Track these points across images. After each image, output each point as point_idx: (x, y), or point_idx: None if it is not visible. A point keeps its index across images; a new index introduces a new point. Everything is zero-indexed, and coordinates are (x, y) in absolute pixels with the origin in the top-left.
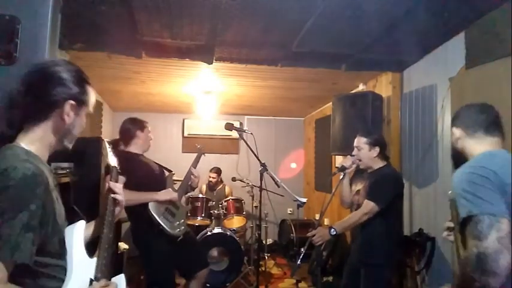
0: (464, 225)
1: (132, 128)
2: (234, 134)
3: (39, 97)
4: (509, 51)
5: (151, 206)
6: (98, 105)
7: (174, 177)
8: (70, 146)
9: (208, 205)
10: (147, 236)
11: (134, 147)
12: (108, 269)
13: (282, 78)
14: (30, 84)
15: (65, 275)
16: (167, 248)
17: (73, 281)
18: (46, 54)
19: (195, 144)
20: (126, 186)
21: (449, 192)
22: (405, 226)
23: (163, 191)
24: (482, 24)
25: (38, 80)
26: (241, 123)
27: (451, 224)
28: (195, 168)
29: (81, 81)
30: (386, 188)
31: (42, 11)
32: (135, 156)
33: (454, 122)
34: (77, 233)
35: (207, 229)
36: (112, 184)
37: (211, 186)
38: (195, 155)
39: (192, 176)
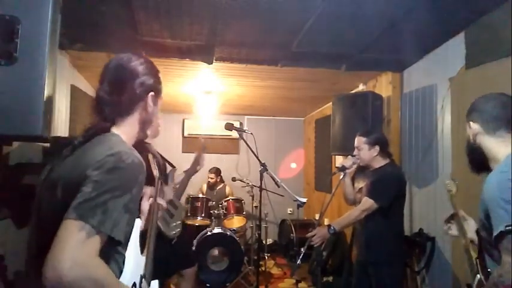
0: (499, 238)
1: None
2: (234, 134)
3: (124, 94)
4: (509, 51)
5: None
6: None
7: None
8: (149, 134)
9: (208, 205)
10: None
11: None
12: (151, 269)
13: (282, 78)
14: (113, 82)
15: (123, 265)
16: (159, 249)
17: (127, 273)
18: (46, 54)
19: (195, 144)
20: None
21: (447, 182)
22: (405, 226)
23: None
24: (482, 24)
25: (119, 77)
26: (241, 123)
27: (451, 213)
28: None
29: (155, 71)
30: (386, 186)
31: (42, 11)
32: (144, 145)
33: (471, 115)
34: (136, 228)
35: (207, 229)
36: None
37: (210, 186)
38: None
39: (199, 160)
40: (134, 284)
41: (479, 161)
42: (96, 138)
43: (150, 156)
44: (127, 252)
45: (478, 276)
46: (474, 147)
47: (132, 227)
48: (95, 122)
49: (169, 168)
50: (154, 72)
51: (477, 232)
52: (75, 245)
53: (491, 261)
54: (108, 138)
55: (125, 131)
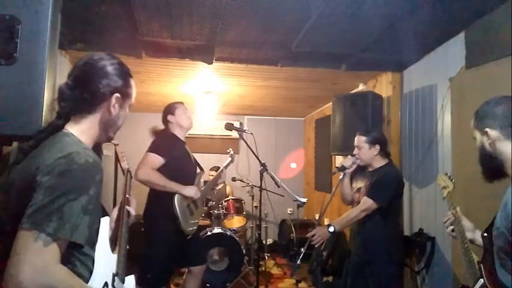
0: None
1: (164, 114)
2: (234, 134)
3: (87, 91)
4: (509, 51)
5: (177, 198)
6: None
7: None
8: (114, 136)
9: (208, 205)
10: (160, 224)
11: (177, 132)
12: (124, 266)
13: (282, 78)
14: (78, 78)
15: (93, 266)
16: (175, 243)
17: (98, 272)
18: (46, 54)
19: (195, 144)
20: (160, 166)
21: (442, 177)
22: (405, 226)
23: (190, 186)
24: (482, 24)
25: (85, 74)
26: (241, 123)
27: (449, 215)
28: (224, 170)
29: (125, 74)
30: (386, 186)
31: (42, 11)
32: (177, 140)
33: (485, 122)
34: (104, 227)
35: (207, 229)
36: (129, 197)
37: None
38: (195, 155)
39: (220, 178)
40: (106, 284)
41: (496, 169)
42: (49, 140)
43: (118, 149)
44: (96, 252)
45: (482, 280)
46: (490, 154)
47: (97, 227)
48: (50, 121)
49: (198, 170)
50: (124, 75)
51: (483, 236)
52: (32, 256)
53: (502, 270)
54: (60, 139)
55: (83, 130)
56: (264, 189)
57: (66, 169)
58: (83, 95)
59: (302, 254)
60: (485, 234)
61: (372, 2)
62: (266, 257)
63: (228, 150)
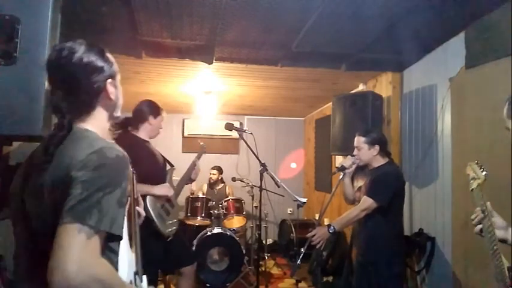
0: None
1: (146, 111)
2: (234, 134)
3: (81, 94)
4: (509, 51)
5: (149, 200)
6: None
7: (174, 175)
8: (119, 115)
9: (208, 205)
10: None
11: (143, 133)
12: (141, 265)
13: (282, 78)
14: (65, 83)
15: (117, 263)
16: (155, 247)
17: (123, 271)
18: (46, 54)
19: (195, 144)
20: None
21: (473, 166)
22: (405, 226)
23: (161, 185)
24: (482, 24)
25: (71, 77)
26: (241, 123)
27: (479, 212)
28: (198, 160)
29: (102, 55)
30: (386, 185)
31: (42, 11)
32: (142, 142)
33: None
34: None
35: (207, 229)
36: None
37: (211, 184)
38: (195, 155)
39: (195, 167)
40: (131, 282)
41: None
42: (70, 137)
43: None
44: (120, 250)
45: None
46: None
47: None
48: (56, 127)
49: (168, 167)
50: (101, 56)
51: None
52: (77, 248)
53: None
54: (82, 135)
55: (94, 124)
56: (264, 189)
57: (100, 164)
58: (79, 98)
59: (302, 254)
60: None
61: (372, 2)
62: (266, 257)
63: (201, 144)
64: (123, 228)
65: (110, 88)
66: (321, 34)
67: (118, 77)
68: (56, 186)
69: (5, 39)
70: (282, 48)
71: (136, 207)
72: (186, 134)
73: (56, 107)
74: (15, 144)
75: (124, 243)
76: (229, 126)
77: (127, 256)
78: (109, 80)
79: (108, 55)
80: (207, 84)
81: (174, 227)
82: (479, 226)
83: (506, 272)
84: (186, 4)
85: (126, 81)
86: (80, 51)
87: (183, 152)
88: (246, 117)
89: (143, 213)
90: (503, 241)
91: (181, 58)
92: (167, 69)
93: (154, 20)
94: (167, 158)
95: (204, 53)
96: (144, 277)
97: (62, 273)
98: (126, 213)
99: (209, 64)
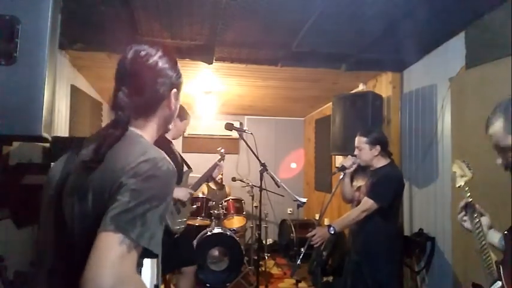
0: None
1: None
2: (234, 134)
3: (145, 95)
4: (509, 51)
5: None
6: (98, 105)
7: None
8: (171, 128)
9: (208, 205)
10: None
11: (168, 134)
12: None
13: (282, 78)
14: (133, 82)
15: (140, 274)
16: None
17: (145, 282)
18: (46, 54)
19: (195, 144)
20: None
21: (459, 164)
22: (405, 226)
23: (180, 188)
24: (482, 24)
25: (139, 77)
26: (241, 123)
27: (466, 201)
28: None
29: (175, 63)
30: (387, 187)
31: (42, 11)
32: (167, 142)
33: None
34: None
35: (207, 229)
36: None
37: (217, 184)
38: (195, 155)
39: (217, 168)
40: None
41: None
42: (123, 140)
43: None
44: (144, 263)
45: (499, 283)
46: None
47: None
48: (112, 124)
49: (185, 168)
50: (173, 65)
51: (505, 236)
52: (116, 260)
53: None
54: (136, 140)
55: (147, 132)
56: (264, 189)
57: (152, 174)
58: (142, 100)
59: (302, 254)
60: (509, 234)
61: (372, 2)
62: (266, 257)
63: (218, 149)
64: (160, 245)
65: (173, 98)
66: (321, 34)
67: (181, 91)
68: (104, 190)
69: (5, 39)
70: (282, 48)
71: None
72: (186, 134)
73: (117, 102)
74: (15, 144)
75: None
76: (229, 126)
77: (150, 269)
78: (174, 90)
79: (178, 67)
80: (207, 84)
81: (183, 226)
82: (461, 215)
83: (494, 266)
84: (186, 4)
85: None
86: (156, 55)
87: (183, 152)
88: (246, 117)
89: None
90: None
91: (181, 58)
92: None
93: (154, 20)
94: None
95: (204, 53)
96: None
97: (97, 285)
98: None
99: (209, 64)
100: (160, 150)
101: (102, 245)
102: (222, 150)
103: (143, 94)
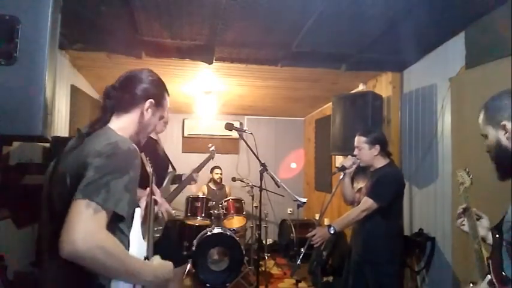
0: None
1: None
2: (234, 134)
3: (126, 92)
4: (509, 51)
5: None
6: (98, 105)
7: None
8: (143, 141)
9: (208, 205)
10: None
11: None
12: (152, 252)
13: (282, 78)
14: (121, 82)
15: (128, 246)
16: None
17: (131, 252)
18: (46, 54)
19: (195, 144)
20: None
21: (459, 174)
22: (405, 226)
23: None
24: (482, 24)
25: (127, 80)
26: (241, 123)
27: (463, 206)
28: (197, 173)
29: (161, 86)
30: (386, 187)
31: (42, 11)
32: (152, 142)
33: (499, 114)
34: (137, 215)
35: (207, 229)
36: (154, 188)
37: (217, 184)
38: (195, 155)
39: (192, 182)
40: None
41: (510, 165)
42: (95, 133)
43: (143, 155)
44: (131, 237)
45: (489, 276)
46: (505, 150)
47: (134, 209)
48: (96, 119)
49: (170, 169)
50: (159, 87)
51: (493, 232)
52: (85, 220)
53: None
54: (105, 131)
55: (121, 128)
56: (264, 189)
57: (112, 152)
58: (123, 95)
59: (302, 254)
60: (495, 229)
61: (372, 2)
62: (266, 257)
63: (209, 146)
64: (127, 211)
65: (147, 105)
66: (321, 34)
67: (160, 112)
68: (77, 171)
69: (5, 39)
70: (282, 48)
71: (164, 207)
72: (186, 134)
73: (105, 103)
74: (15, 144)
75: (136, 231)
76: (229, 126)
77: (138, 242)
78: (150, 100)
79: (166, 94)
80: (207, 84)
81: (158, 234)
82: (460, 220)
83: (486, 261)
84: (186, 4)
85: None
86: (146, 72)
87: (183, 152)
88: (246, 117)
89: (171, 212)
90: (483, 239)
91: (181, 58)
92: (167, 69)
93: (154, 20)
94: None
95: (204, 53)
96: (156, 257)
97: (69, 242)
98: (140, 204)
99: (209, 64)
100: (125, 137)
101: (73, 210)
102: (213, 148)
103: (124, 90)
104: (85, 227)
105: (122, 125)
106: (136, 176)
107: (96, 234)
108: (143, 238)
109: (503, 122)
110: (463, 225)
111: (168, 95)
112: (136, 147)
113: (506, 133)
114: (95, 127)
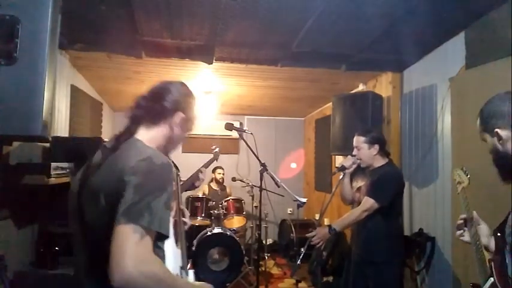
0: None
1: None
2: (234, 134)
3: (156, 103)
4: (509, 51)
5: None
6: (98, 105)
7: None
8: (170, 153)
9: (208, 205)
10: None
11: None
12: (186, 260)
13: (282, 78)
14: (151, 93)
15: (164, 259)
16: None
17: (170, 266)
18: (46, 54)
19: (195, 144)
20: None
21: (457, 172)
22: (405, 226)
23: None
24: (482, 24)
25: (158, 91)
26: (241, 123)
27: (464, 216)
28: (206, 168)
29: (192, 101)
30: (387, 186)
31: (42, 11)
32: None
33: (493, 122)
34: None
35: (207, 229)
36: (184, 209)
37: (219, 184)
38: (195, 155)
39: (200, 175)
40: (176, 275)
41: (511, 169)
42: (124, 146)
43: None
44: (166, 247)
45: (492, 279)
46: (504, 155)
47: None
48: (122, 130)
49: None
50: (190, 100)
51: (495, 234)
52: (133, 246)
53: None
54: (134, 144)
55: (149, 139)
56: (264, 189)
57: (148, 170)
58: (153, 106)
59: (302, 254)
60: (498, 232)
61: (372, 2)
62: (266, 257)
63: (213, 147)
64: (169, 228)
65: (177, 119)
66: (321, 34)
67: (189, 126)
68: (112, 189)
69: (5, 39)
70: (282, 48)
71: (183, 218)
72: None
73: (133, 113)
74: (15, 144)
75: (170, 241)
76: (229, 126)
77: (173, 252)
78: (181, 113)
79: (195, 107)
80: (207, 84)
81: None
82: (460, 231)
83: (487, 264)
84: (186, 4)
85: (127, 81)
86: (176, 84)
87: (182, 152)
88: (246, 117)
89: (189, 223)
90: (486, 248)
91: (181, 58)
92: (167, 69)
93: (154, 20)
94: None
95: (204, 53)
96: (191, 271)
97: (121, 270)
98: (172, 215)
99: (209, 64)
100: (156, 151)
101: (119, 236)
102: (216, 150)
103: (155, 101)
104: (136, 254)
105: (151, 136)
106: (172, 190)
107: (147, 260)
108: (176, 245)
109: (496, 129)
110: (463, 236)
111: (196, 106)
112: (169, 160)
113: (500, 140)
114: (121, 139)
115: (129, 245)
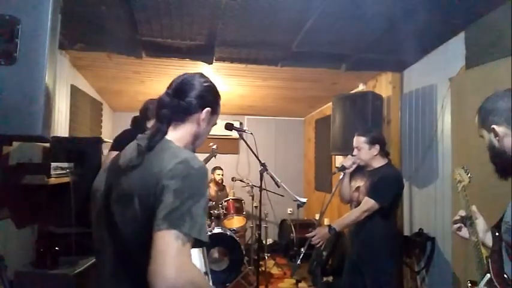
0: None
1: (152, 109)
2: (234, 134)
3: (183, 100)
4: (509, 51)
5: None
6: (98, 105)
7: None
8: (197, 149)
9: (208, 205)
10: None
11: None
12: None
13: (282, 78)
14: (176, 90)
15: None
16: None
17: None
18: (46, 54)
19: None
20: None
21: (457, 172)
22: (405, 226)
23: None
24: (482, 24)
25: (182, 87)
26: (241, 123)
27: (462, 213)
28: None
29: (216, 93)
30: (387, 187)
31: (42, 11)
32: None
33: (490, 119)
34: None
35: (207, 229)
36: None
37: (219, 184)
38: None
39: None
40: None
41: (507, 165)
42: (158, 147)
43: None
44: (193, 253)
45: (489, 275)
46: (501, 151)
47: None
48: (154, 130)
49: None
50: (215, 93)
51: (492, 231)
52: (176, 253)
53: (510, 264)
54: (168, 145)
55: (178, 138)
56: (264, 189)
57: (187, 173)
58: (179, 103)
59: (302, 254)
60: (495, 228)
61: (372, 2)
62: (266, 257)
63: (211, 145)
64: (207, 235)
65: (204, 115)
66: (321, 34)
67: (215, 120)
68: (148, 193)
69: (5, 39)
70: (282, 48)
71: None
72: None
73: (162, 113)
74: (15, 144)
75: (196, 248)
76: (229, 126)
77: (199, 259)
78: (208, 109)
79: (219, 99)
80: None
81: None
82: (456, 225)
83: (485, 260)
84: (186, 4)
85: (127, 81)
86: (199, 77)
87: None
88: (246, 117)
89: None
90: (482, 243)
91: (181, 58)
92: (167, 69)
93: (154, 20)
94: None
95: (204, 53)
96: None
97: (163, 278)
98: None
99: (209, 64)
100: (191, 153)
101: (160, 242)
102: (214, 147)
103: (181, 98)
104: (178, 261)
105: (179, 135)
106: (207, 194)
107: (188, 268)
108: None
109: (493, 126)
110: (459, 230)
111: (220, 97)
112: (204, 163)
113: (496, 136)
114: (155, 140)
115: (172, 252)
